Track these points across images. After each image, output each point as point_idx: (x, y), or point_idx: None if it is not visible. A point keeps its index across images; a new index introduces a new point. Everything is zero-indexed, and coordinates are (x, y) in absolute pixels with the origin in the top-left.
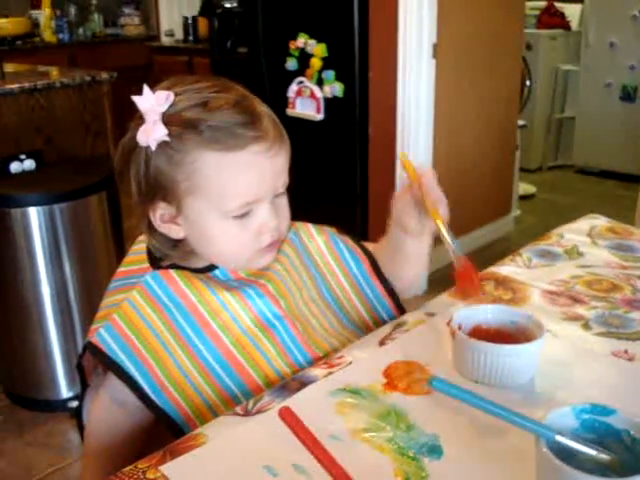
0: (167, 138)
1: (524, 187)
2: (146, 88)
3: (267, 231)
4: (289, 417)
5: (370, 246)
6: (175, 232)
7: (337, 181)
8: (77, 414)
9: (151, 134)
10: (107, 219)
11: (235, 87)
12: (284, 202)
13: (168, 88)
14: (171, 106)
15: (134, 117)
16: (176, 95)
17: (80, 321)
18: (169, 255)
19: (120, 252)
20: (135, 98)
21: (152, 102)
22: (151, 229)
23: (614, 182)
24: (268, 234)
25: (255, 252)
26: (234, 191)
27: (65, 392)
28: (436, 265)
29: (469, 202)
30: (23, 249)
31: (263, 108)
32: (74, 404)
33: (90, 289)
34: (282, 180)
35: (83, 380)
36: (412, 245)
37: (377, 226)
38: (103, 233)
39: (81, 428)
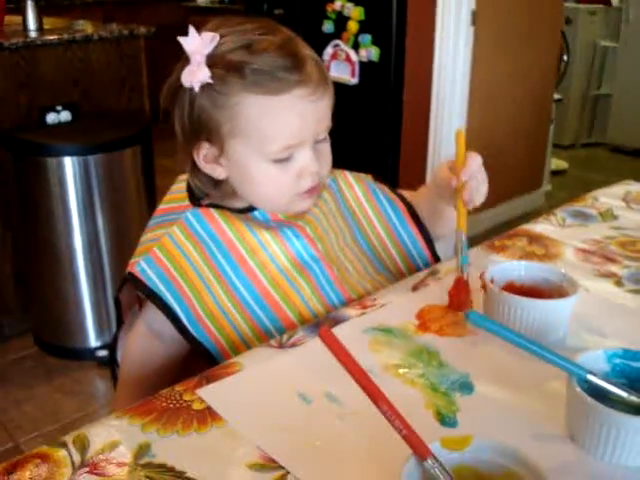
0: (210, 80)
1: (556, 162)
2: (192, 29)
3: (307, 175)
4: (329, 338)
5: (406, 194)
6: (218, 172)
7: (369, 147)
8: (111, 350)
9: (195, 76)
10: (140, 173)
11: (281, 29)
12: (326, 148)
13: (214, 29)
14: (216, 48)
15: (175, 61)
16: (221, 37)
17: (110, 272)
18: (210, 195)
19: (152, 207)
20: (181, 39)
21: (197, 43)
22: (194, 169)
23: None
24: (308, 178)
25: (294, 196)
26: (275, 134)
27: (93, 341)
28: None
29: (500, 174)
30: (57, 198)
31: (308, 51)
32: (102, 353)
33: (121, 241)
34: (324, 125)
35: (119, 316)
36: (448, 209)
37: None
38: (136, 187)
39: (113, 364)
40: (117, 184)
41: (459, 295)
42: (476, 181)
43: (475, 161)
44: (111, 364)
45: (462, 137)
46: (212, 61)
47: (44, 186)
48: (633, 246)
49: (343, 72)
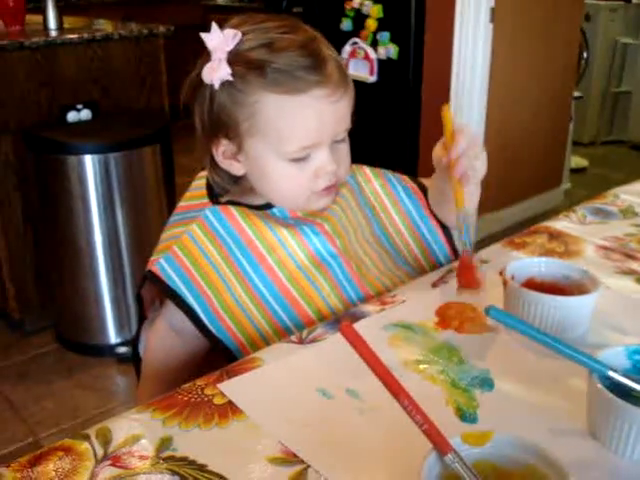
0: (231, 78)
1: (576, 160)
2: (214, 26)
3: (324, 174)
4: (350, 333)
5: (427, 182)
6: (236, 169)
7: (388, 145)
8: (133, 344)
9: (216, 73)
10: (160, 171)
11: (304, 27)
12: (345, 148)
13: (236, 26)
14: (237, 45)
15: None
16: (243, 34)
17: (130, 269)
18: (229, 191)
19: (171, 205)
20: (203, 35)
21: (219, 40)
22: (213, 164)
23: None
24: (325, 177)
25: (311, 194)
26: (293, 134)
27: (114, 338)
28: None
29: (520, 172)
30: (78, 196)
31: (329, 52)
32: (122, 349)
33: (140, 238)
34: (344, 126)
35: (141, 312)
36: (450, 191)
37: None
38: (155, 185)
39: (136, 359)
40: (137, 182)
41: (465, 274)
42: (467, 158)
43: (463, 138)
44: (134, 359)
45: (447, 112)
46: (233, 58)
47: (64, 184)
48: None
49: (362, 70)
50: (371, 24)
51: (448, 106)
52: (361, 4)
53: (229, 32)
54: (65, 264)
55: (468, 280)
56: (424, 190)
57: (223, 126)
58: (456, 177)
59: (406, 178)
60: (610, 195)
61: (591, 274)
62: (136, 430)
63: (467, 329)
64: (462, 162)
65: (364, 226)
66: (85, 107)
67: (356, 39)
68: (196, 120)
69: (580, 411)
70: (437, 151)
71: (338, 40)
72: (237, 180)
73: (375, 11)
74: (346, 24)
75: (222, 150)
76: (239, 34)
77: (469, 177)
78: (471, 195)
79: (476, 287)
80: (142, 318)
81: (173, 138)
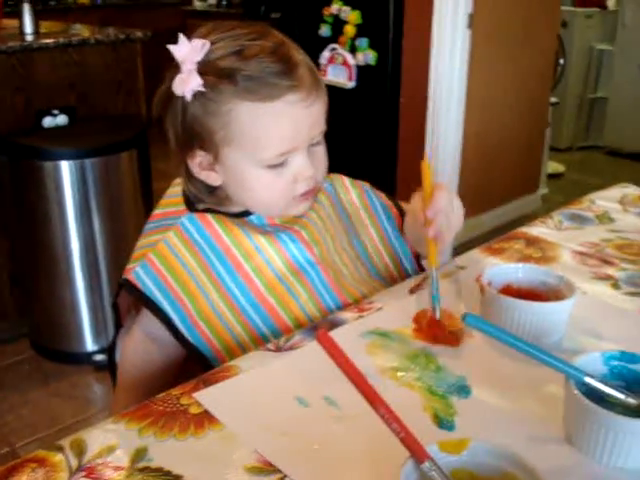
0: (202, 88)
1: (553, 166)
2: (182, 36)
3: (302, 180)
4: (327, 340)
5: (405, 206)
6: (213, 179)
7: (366, 151)
8: (109, 352)
9: (186, 84)
10: (137, 177)
11: (273, 33)
12: (321, 151)
13: (204, 36)
14: (207, 54)
15: (169, 65)
16: (212, 43)
17: (107, 275)
18: (205, 201)
19: (149, 211)
20: (171, 47)
21: (188, 51)
22: (189, 176)
23: None
24: (303, 183)
25: (290, 200)
26: (269, 141)
27: (90, 345)
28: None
29: (497, 177)
30: (54, 202)
31: (300, 56)
32: (99, 357)
33: (118, 245)
34: (319, 129)
35: (117, 320)
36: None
37: (404, 196)
38: (132, 190)
39: (112, 366)
40: (113, 188)
41: (430, 331)
42: (444, 216)
43: (441, 197)
44: (110, 367)
45: (427, 169)
46: (203, 68)
47: (41, 190)
48: (630, 249)
49: (340, 76)
50: (349, 30)
51: (427, 162)
52: (339, 10)
53: (197, 42)
54: (41, 271)
55: (434, 336)
56: (402, 213)
57: (197, 137)
58: (430, 235)
59: (383, 195)
60: (586, 201)
61: (567, 280)
62: (111, 441)
63: (442, 342)
64: (438, 221)
65: (341, 234)
66: (61, 112)
67: (335, 45)
68: (169, 133)
69: (557, 417)
70: (415, 202)
71: (316, 46)
72: (213, 190)
73: (353, 17)
74: (325, 30)
75: (198, 161)
76: (207, 43)
77: (444, 236)
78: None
79: (454, 344)
80: (118, 326)
81: (150, 143)
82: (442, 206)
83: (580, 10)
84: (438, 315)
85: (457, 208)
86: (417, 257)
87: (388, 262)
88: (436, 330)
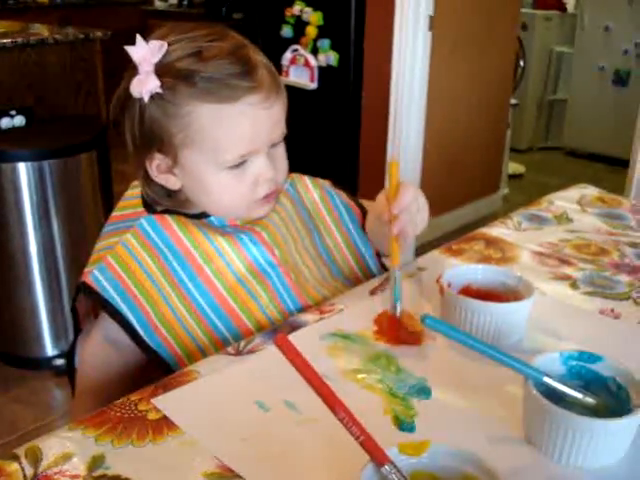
0: (160, 90)
1: (513, 166)
2: (139, 38)
3: (263, 182)
4: (285, 345)
5: (366, 203)
6: (172, 183)
7: (328, 151)
8: (68, 357)
9: (144, 86)
10: (97, 178)
11: (231, 34)
12: (281, 152)
13: (162, 37)
14: (164, 56)
15: (127, 67)
16: (170, 45)
17: (66, 279)
18: (164, 204)
19: (108, 213)
20: (128, 48)
21: (145, 52)
22: (147, 179)
23: (603, 165)
24: (265, 185)
25: (252, 203)
26: (229, 143)
27: (50, 350)
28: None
29: (458, 178)
30: (12, 205)
31: (259, 57)
32: (59, 362)
33: (77, 248)
34: (279, 131)
35: (76, 324)
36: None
37: (366, 196)
38: (92, 192)
39: (71, 371)
40: (73, 190)
41: (391, 331)
42: (409, 214)
43: (407, 194)
44: (69, 372)
45: (395, 168)
46: (161, 70)
47: None
48: (588, 249)
49: (302, 77)
50: (311, 31)
51: (395, 162)
52: (301, 11)
53: (154, 43)
54: None
55: (396, 337)
56: (363, 211)
57: (156, 140)
58: (394, 232)
59: (343, 194)
60: (545, 201)
61: (526, 280)
62: (67, 448)
63: (403, 342)
64: (403, 218)
65: (304, 236)
66: (19, 113)
67: (296, 46)
68: (127, 135)
69: (516, 418)
70: (381, 200)
71: (278, 47)
72: (172, 193)
73: (315, 18)
74: (286, 31)
75: (156, 164)
76: (165, 45)
77: (408, 233)
78: (408, 247)
79: (414, 343)
80: (77, 331)
81: (110, 145)
82: (407, 203)
83: (540, 13)
84: (399, 313)
85: (422, 206)
86: (378, 255)
87: (351, 261)
88: (397, 330)
